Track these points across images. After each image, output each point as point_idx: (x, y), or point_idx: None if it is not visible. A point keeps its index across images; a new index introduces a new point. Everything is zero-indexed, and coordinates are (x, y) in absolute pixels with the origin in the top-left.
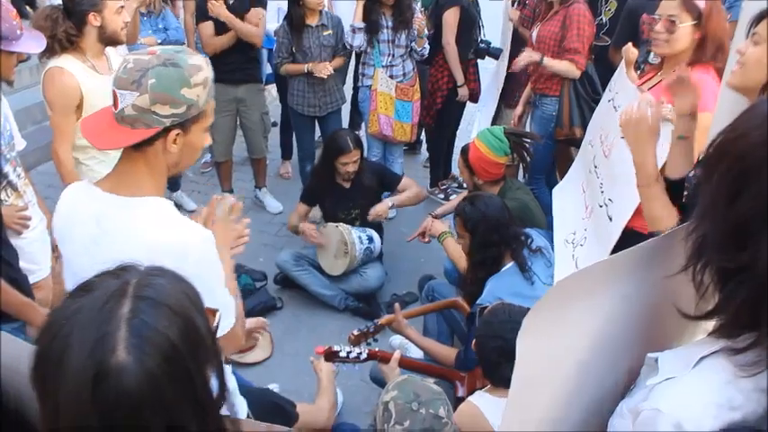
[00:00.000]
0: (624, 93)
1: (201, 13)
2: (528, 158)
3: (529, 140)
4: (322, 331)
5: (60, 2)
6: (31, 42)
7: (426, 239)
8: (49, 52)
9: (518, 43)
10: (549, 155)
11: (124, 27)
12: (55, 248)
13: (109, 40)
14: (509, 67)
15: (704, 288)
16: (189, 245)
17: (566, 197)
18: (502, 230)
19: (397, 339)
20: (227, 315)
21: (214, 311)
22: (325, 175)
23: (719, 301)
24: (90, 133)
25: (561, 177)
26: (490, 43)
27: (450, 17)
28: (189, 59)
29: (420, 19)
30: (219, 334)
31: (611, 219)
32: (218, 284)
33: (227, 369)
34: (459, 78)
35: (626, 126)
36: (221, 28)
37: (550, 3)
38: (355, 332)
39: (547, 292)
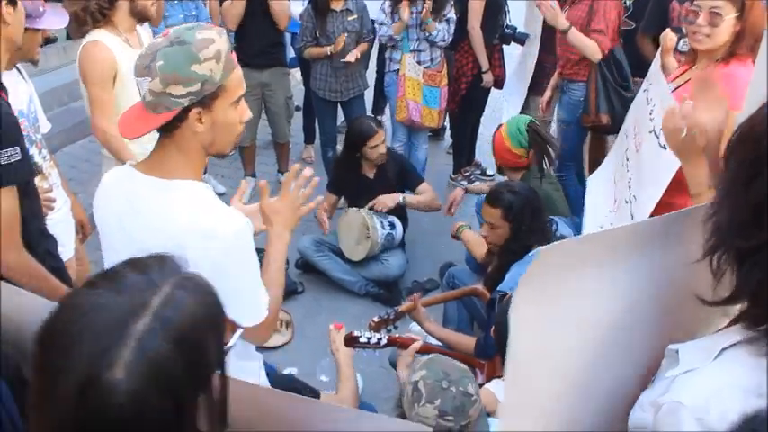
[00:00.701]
0: (657, 86)
1: None
2: (545, 159)
3: (551, 145)
4: (342, 315)
5: None
6: (55, 18)
7: (452, 212)
8: (82, 25)
9: (547, 31)
10: (579, 141)
11: (154, 3)
12: (79, 230)
13: (140, 15)
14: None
15: (721, 273)
16: (223, 232)
17: (599, 187)
18: (540, 217)
19: (417, 325)
20: (258, 308)
21: (233, 327)
22: (350, 165)
23: (736, 284)
24: (122, 125)
25: (591, 167)
26: (516, 28)
27: (476, 2)
28: (198, 34)
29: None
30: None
31: (632, 217)
32: (248, 276)
33: (258, 364)
34: (484, 64)
35: (670, 138)
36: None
37: None
38: (375, 319)
39: (538, 255)
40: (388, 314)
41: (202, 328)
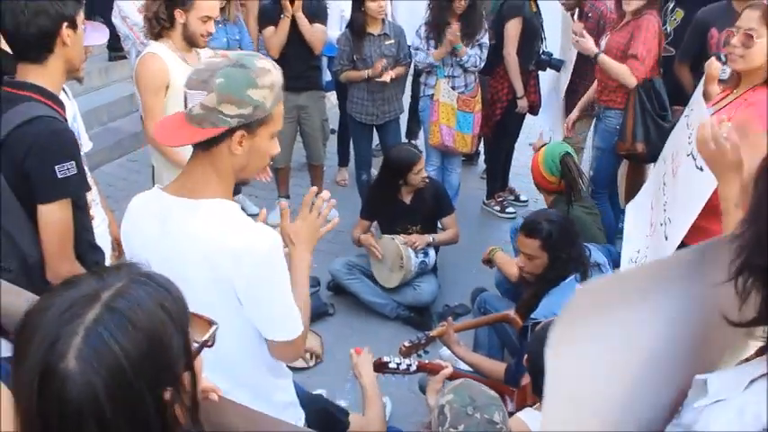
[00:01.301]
0: (698, 111)
1: (265, 18)
2: (572, 192)
3: (581, 179)
4: (373, 338)
5: None
6: (96, 34)
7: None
8: (147, 29)
9: (582, 56)
10: (613, 168)
11: (205, 35)
12: (114, 248)
13: (189, 39)
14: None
15: (747, 293)
16: (255, 250)
17: (637, 214)
18: (577, 244)
19: (447, 350)
20: (293, 324)
21: (210, 323)
22: (388, 191)
23: (761, 305)
24: (160, 132)
25: (627, 195)
26: (552, 55)
27: (512, 28)
28: (257, 62)
29: (454, 29)
30: (279, 338)
31: (666, 238)
32: (279, 293)
33: (289, 381)
34: (519, 90)
35: (701, 149)
36: None
37: (623, 14)
38: (407, 343)
39: (570, 298)
40: (419, 339)
41: (159, 320)
